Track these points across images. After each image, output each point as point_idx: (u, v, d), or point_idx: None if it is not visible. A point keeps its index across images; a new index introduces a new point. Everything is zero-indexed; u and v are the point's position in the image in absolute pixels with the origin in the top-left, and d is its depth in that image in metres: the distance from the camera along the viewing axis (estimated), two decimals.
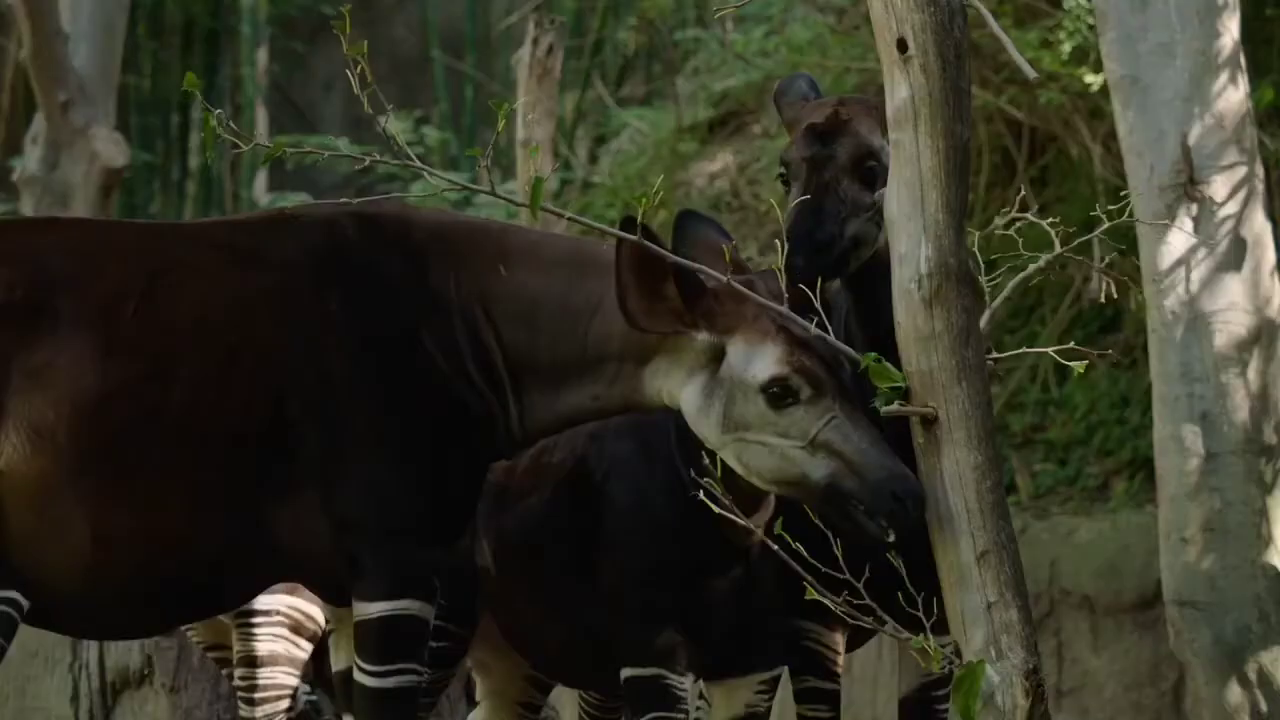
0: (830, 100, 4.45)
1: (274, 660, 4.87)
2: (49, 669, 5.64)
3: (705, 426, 4.13)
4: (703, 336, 4.12)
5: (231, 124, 4.13)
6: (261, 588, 4.36)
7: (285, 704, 4.89)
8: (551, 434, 4.39)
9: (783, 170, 4.40)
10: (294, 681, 4.91)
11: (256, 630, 4.88)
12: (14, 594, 4.15)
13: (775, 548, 3.97)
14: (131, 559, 4.14)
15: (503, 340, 4.27)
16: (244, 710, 4.87)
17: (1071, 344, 4.32)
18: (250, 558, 4.19)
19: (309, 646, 4.94)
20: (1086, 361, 4.11)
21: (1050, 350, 4.20)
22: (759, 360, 4.07)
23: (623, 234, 4.02)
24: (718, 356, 4.11)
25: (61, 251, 4.19)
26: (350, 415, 4.18)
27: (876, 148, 4.29)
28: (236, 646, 4.88)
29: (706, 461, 4.23)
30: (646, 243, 4.05)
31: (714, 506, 4.03)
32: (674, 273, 4.09)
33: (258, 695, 4.87)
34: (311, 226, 4.28)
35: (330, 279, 4.22)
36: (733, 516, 4.09)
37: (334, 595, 4.36)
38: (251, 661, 4.86)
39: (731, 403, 4.08)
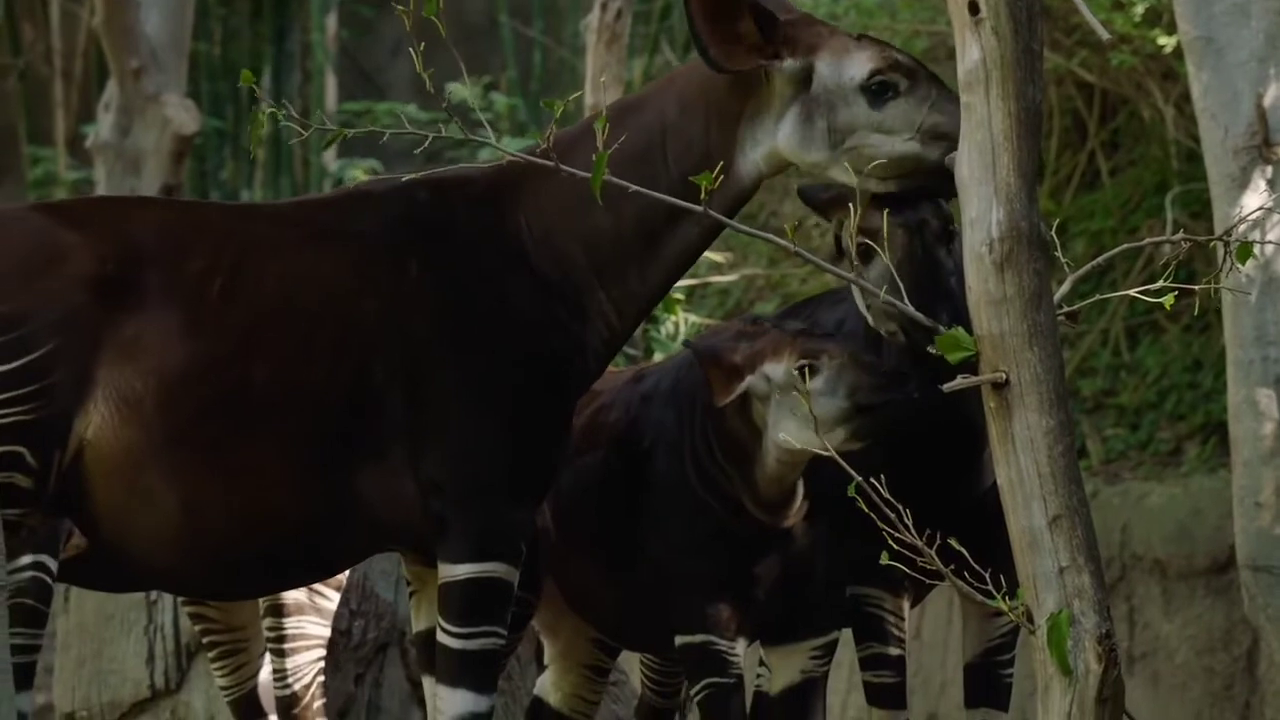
0: None
1: (300, 609, 4.90)
2: (125, 632, 5.70)
3: (812, 150, 4.18)
4: (788, 63, 4.19)
5: (290, 109, 4.17)
6: (360, 555, 4.42)
7: (316, 654, 4.92)
8: (661, 298, 4.41)
9: (865, 241, 4.23)
10: (324, 631, 4.93)
11: None
12: (44, 558, 4.23)
13: (863, 506, 3.96)
14: (222, 530, 4.20)
15: (587, 241, 4.29)
16: (274, 661, 4.90)
17: (1144, 309, 4.30)
18: (342, 526, 4.25)
19: (335, 595, 4.96)
20: (1173, 296, 4.08)
21: (1134, 292, 4.18)
22: (852, 64, 4.16)
23: None
24: (804, 80, 4.18)
25: (152, 229, 4.27)
26: (436, 377, 4.22)
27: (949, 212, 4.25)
28: (262, 598, 4.92)
29: (722, 459, 4.29)
30: None
31: (864, 506, 3.98)
32: (748, 8, 4.16)
33: (287, 645, 4.90)
34: (387, 197, 4.35)
35: (407, 244, 4.28)
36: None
37: (430, 559, 4.39)
38: (279, 611, 4.89)
39: (834, 113, 4.15)
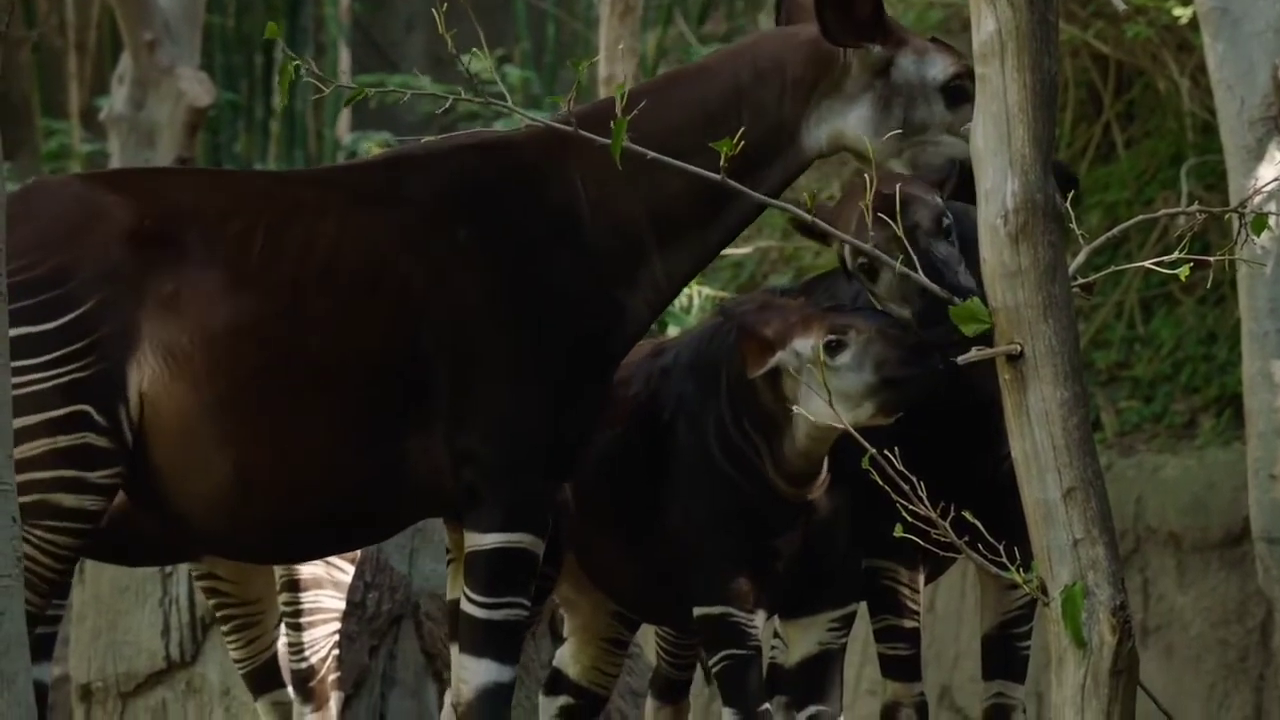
0: (859, 186, 4.31)
1: (317, 583, 4.91)
2: (140, 604, 5.72)
3: (881, 137, 4.23)
4: (877, 50, 4.27)
5: (312, 65, 4.16)
6: (410, 520, 4.42)
7: (332, 627, 4.93)
8: (709, 263, 4.46)
9: (863, 261, 4.23)
10: (339, 605, 4.95)
11: None
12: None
13: (878, 479, 3.96)
14: (272, 494, 4.21)
15: (653, 202, 4.30)
16: (291, 635, 4.92)
17: (1159, 281, 4.28)
18: (391, 491, 4.25)
19: (350, 568, 4.97)
20: (1188, 268, 4.07)
21: (1149, 264, 4.17)
22: (934, 65, 4.28)
23: None
24: (881, 70, 4.27)
25: (190, 191, 4.29)
26: (479, 346, 4.23)
27: (943, 205, 4.25)
28: (278, 572, 4.92)
29: (751, 430, 4.28)
30: None
31: (879, 480, 3.99)
32: None
33: (303, 619, 4.91)
34: (431, 160, 4.32)
35: (456, 209, 4.27)
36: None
37: None
38: (294, 586, 4.90)
39: (913, 107, 4.25)
